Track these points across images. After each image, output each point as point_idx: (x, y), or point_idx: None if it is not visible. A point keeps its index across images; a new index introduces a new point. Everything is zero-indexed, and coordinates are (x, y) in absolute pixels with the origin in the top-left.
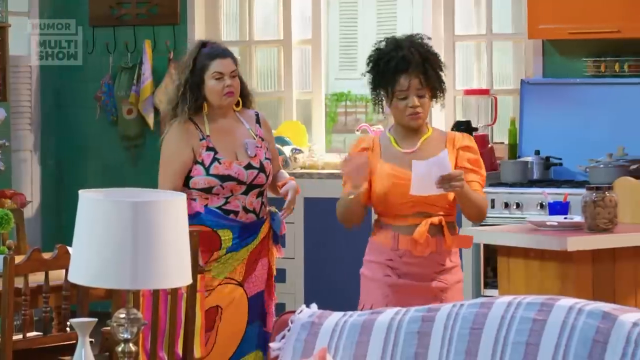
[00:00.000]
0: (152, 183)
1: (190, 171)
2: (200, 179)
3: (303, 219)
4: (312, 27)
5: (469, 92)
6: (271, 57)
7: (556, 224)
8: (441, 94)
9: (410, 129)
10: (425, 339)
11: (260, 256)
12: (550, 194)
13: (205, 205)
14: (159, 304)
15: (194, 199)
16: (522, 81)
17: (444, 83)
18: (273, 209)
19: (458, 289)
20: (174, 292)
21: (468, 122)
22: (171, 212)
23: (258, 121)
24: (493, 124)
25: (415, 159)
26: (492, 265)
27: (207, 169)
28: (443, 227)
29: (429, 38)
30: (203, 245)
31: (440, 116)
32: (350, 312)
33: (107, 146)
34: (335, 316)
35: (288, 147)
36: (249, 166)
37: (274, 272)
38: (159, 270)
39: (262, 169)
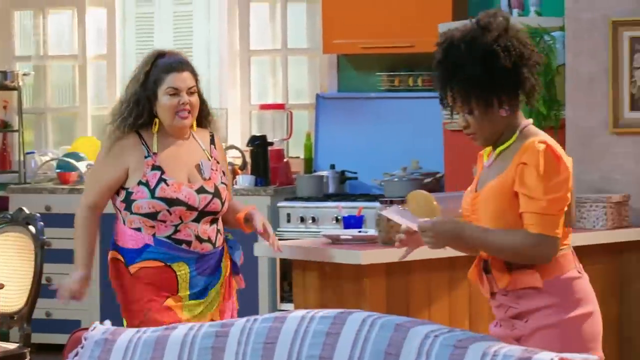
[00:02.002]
0: None
1: (131, 194)
2: (143, 203)
3: (100, 234)
4: (107, 42)
5: (264, 107)
6: (66, 73)
7: (350, 237)
8: (495, 100)
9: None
10: (219, 354)
11: (230, 296)
12: (346, 208)
13: (154, 235)
14: None
15: (139, 229)
16: (317, 96)
17: (489, 85)
18: (229, 235)
19: None
20: None
21: (264, 137)
22: None
23: (213, 142)
24: (288, 138)
25: (491, 172)
26: (288, 279)
27: (152, 191)
28: None
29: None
30: (157, 284)
31: (235, 131)
32: (144, 329)
33: None
34: (129, 333)
35: (83, 162)
36: (201, 190)
37: (237, 306)
38: None
39: (217, 194)
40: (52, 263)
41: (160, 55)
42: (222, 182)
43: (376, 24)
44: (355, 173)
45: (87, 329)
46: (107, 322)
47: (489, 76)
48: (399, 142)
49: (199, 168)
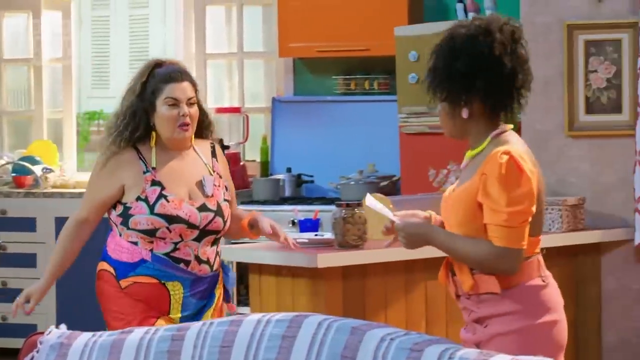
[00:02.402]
0: None
1: (129, 209)
2: (142, 219)
3: (54, 238)
4: (62, 45)
5: (220, 110)
6: (21, 76)
7: (307, 240)
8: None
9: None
10: (175, 357)
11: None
12: (302, 211)
13: (151, 251)
14: None
15: (136, 243)
16: (273, 99)
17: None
18: (225, 261)
19: None
20: None
21: (220, 140)
22: None
23: (214, 154)
24: (245, 141)
25: (464, 175)
26: (244, 282)
27: (151, 208)
28: None
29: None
30: (148, 302)
31: None
32: (100, 332)
33: None
34: (84, 337)
35: (39, 166)
36: (203, 208)
37: None
38: None
39: (219, 212)
40: (7, 267)
41: (157, 64)
42: (224, 199)
43: (332, 28)
44: (311, 176)
45: (43, 333)
46: (63, 326)
47: (462, 75)
48: (355, 145)
49: (200, 184)
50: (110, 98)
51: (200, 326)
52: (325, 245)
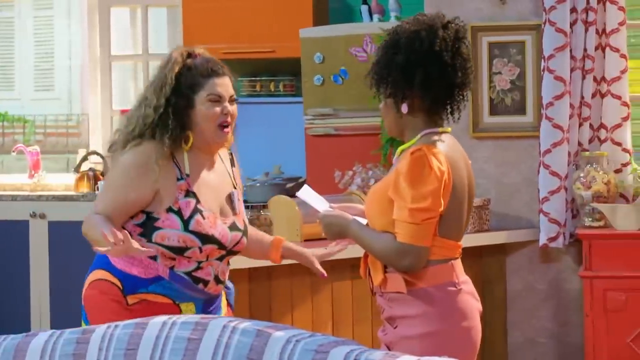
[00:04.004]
0: None
1: (155, 220)
2: (173, 234)
3: None
4: None
5: (125, 112)
6: None
7: None
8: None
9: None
10: None
11: None
12: None
13: (171, 269)
14: None
15: (154, 258)
16: None
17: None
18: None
19: None
20: None
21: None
22: None
23: (233, 163)
24: None
25: (390, 170)
26: None
27: (185, 223)
28: None
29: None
30: None
31: (96, 136)
32: (3, 336)
33: None
34: None
35: None
36: (233, 227)
37: None
38: None
39: (245, 231)
40: None
41: (189, 55)
42: (246, 216)
43: (237, 30)
44: None
45: None
46: None
47: (402, 69)
48: (261, 147)
49: (230, 200)
50: (15, 100)
51: (105, 329)
52: None
